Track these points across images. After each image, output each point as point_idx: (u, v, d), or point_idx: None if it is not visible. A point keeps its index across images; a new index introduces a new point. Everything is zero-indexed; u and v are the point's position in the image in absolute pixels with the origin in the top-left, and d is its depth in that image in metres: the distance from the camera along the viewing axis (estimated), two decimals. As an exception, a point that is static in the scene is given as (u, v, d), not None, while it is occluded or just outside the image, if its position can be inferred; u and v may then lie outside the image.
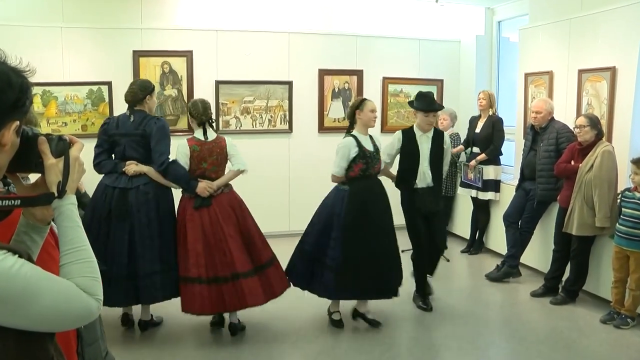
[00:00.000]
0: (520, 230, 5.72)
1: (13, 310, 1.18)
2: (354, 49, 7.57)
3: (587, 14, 5.59)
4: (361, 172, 4.52)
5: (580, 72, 5.62)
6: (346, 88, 7.57)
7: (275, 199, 7.43)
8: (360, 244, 4.40)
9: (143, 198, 4.24)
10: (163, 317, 4.66)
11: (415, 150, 4.87)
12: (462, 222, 7.26)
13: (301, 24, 7.38)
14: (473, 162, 6.50)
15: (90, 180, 4.47)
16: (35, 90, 6.26)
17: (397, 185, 5.03)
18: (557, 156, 5.25)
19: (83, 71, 6.59)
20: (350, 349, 4.30)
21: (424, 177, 4.87)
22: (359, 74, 7.58)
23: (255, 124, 7.28)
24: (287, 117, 7.38)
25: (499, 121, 6.43)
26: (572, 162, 5.05)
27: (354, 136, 4.56)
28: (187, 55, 6.89)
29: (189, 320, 4.54)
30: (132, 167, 4.27)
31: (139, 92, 4.31)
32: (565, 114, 5.67)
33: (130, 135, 4.27)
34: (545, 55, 6.16)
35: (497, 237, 6.39)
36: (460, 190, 6.91)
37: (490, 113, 6.49)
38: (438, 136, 4.99)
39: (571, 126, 5.23)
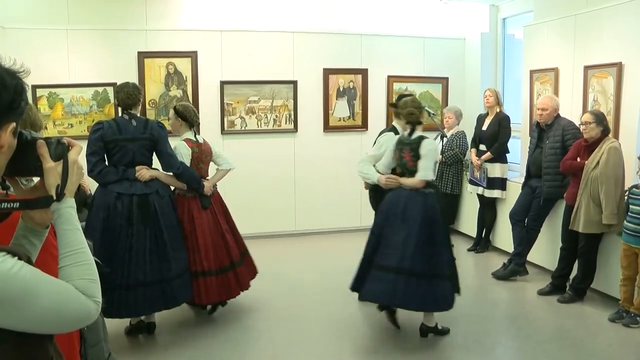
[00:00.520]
0: (526, 228, 5.69)
1: (11, 312, 1.18)
2: (359, 47, 7.55)
3: (593, 9, 5.55)
4: (435, 173, 4.60)
5: (586, 68, 5.58)
6: (351, 87, 7.55)
7: (281, 199, 7.44)
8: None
9: (164, 202, 4.26)
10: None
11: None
12: (468, 220, 7.23)
13: (305, 23, 7.38)
14: (478, 161, 6.46)
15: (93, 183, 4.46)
16: (41, 92, 6.41)
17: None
18: (563, 153, 5.21)
19: (88, 73, 6.62)
20: (355, 348, 4.29)
21: None
22: (363, 72, 7.57)
23: (261, 124, 7.28)
24: (292, 117, 7.38)
25: (505, 119, 6.41)
26: (578, 159, 5.01)
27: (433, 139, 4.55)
28: (192, 55, 6.90)
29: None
30: (146, 172, 4.21)
31: (138, 94, 4.25)
32: (571, 111, 5.63)
33: (139, 140, 4.18)
34: (551, 52, 6.12)
35: (504, 235, 6.36)
36: (468, 188, 6.89)
37: (497, 110, 6.46)
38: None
39: (577, 123, 5.20)
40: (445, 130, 7.05)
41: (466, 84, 7.91)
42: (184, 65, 6.90)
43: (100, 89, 6.64)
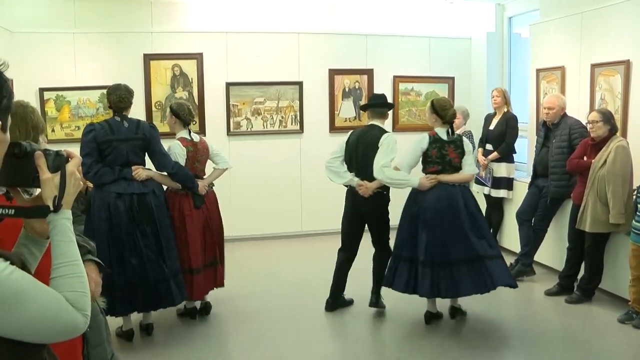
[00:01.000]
0: (533, 228, 5.65)
1: None
2: (364, 48, 7.54)
3: (599, 7, 5.50)
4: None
5: (593, 66, 5.53)
6: (357, 87, 7.54)
7: (287, 200, 7.44)
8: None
9: (159, 201, 4.34)
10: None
11: None
12: (475, 221, 7.18)
13: (310, 24, 7.38)
14: (484, 161, 6.43)
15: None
16: (49, 95, 6.45)
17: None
18: (570, 152, 5.17)
19: (95, 75, 6.65)
20: (360, 349, 4.27)
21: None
22: (369, 73, 7.55)
23: (266, 125, 7.29)
24: (298, 118, 7.38)
25: (513, 118, 6.36)
26: (585, 158, 4.97)
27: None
28: (198, 57, 6.92)
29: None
30: (142, 172, 4.27)
31: (130, 97, 4.30)
32: (578, 110, 5.59)
33: (131, 140, 4.23)
34: (557, 51, 6.08)
35: (511, 235, 6.32)
36: (474, 187, 6.84)
37: (505, 110, 6.42)
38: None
39: (584, 122, 5.16)
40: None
41: (472, 83, 7.87)
42: (189, 67, 6.92)
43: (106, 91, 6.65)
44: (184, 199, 4.55)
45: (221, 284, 4.84)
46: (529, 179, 5.90)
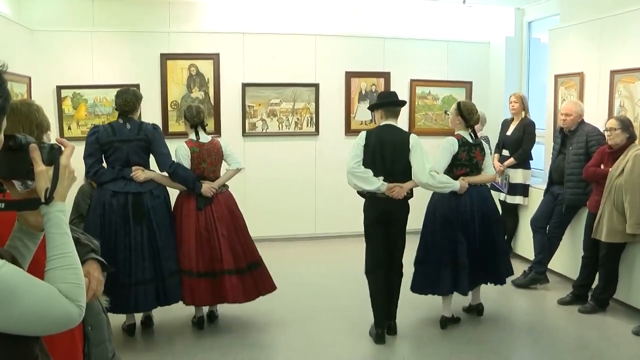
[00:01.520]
0: (548, 235, 5.57)
1: None
2: (381, 51, 7.51)
3: (620, 12, 5.41)
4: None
5: (613, 72, 5.44)
6: (373, 90, 7.51)
7: (302, 202, 7.43)
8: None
9: (157, 202, 4.37)
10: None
11: None
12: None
13: (328, 26, 7.37)
14: (500, 167, 6.36)
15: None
16: (66, 93, 6.52)
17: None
18: (587, 160, 5.09)
19: (112, 74, 6.71)
20: (372, 352, 4.25)
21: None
22: (386, 76, 7.52)
23: (282, 127, 7.29)
24: (314, 120, 7.37)
25: (531, 124, 6.28)
26: (602, 166, 4.89)
27: None
28: (214, 58, 6.95)
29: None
30: (141, 173, 4.34)
31: (136, 101, 4.44)
32: (597, 117, 5.49)
33: (133, 141, 4.32)
34: (576, 56, 5.99)
35: (526, 243, 6.23)
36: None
37: (523, 116, 6.34)
38: None
39: (602, 129, 5.07)
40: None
41: (490, 88, 7.79)
42: (206, 67, 6.95)
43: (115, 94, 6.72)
44: (188, 200, 4.50)
45: (233, 299, 4.45)
46: (545, 186, 5.82)
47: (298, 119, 7.32)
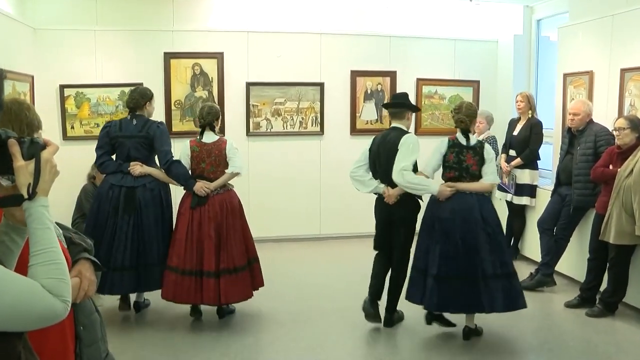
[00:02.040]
0: (555, 237, 5.47)
1: None
2: (387, 49, 7.44)
3: (631, 9, 5.30)
4: None
5: (623, 71, 5.34)
6: (379, 89, 7.44)
7: (306, 202, 7.38)
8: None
9: (149, 195, 4.62)
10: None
11: None
12: (497, 228, 7.01)
13: (333, 24, 7.31)
14: (507, 167, 6.27)
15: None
16: (69, 91, 6.50)
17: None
18: (595, 160, 4.99)
19: (115, 73, 6.69)
20: (374, 354, 4.18)
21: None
22: (392, 75, 7.44)
23: (286, 126, 7.23)
24: (319, 119, 7.30)
25: (538, 124, 6.19)
26: (610, 167, 4.79)
27: None
28: (218, 56, 6.91)
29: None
30: (138, 168, 4.62)
31: (140, 99, 4.72)
32: (606, 116, 5.39)
33: (135, 137, 4.64)
34: (586, 55, 5.89)
35: (533, 244, 6.13)
36: (497, 194, 6.69)
37: (530, 115, 6.25)
38: None
39: (611, 128, 4.97)
40: (475, 135, 6.86)
41: (498, 87, 7.69)
42: (210, 66, 6.91)
43: (126, 89, 6.63)
44: (187, 199, 4.62)
45: (209, 301, 4.50)
46: (552, 187, 5.72)
47: (303, 118, 7.26)
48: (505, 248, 4.44)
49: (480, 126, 6.91)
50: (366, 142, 7.32)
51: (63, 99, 6.51)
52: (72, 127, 6.58)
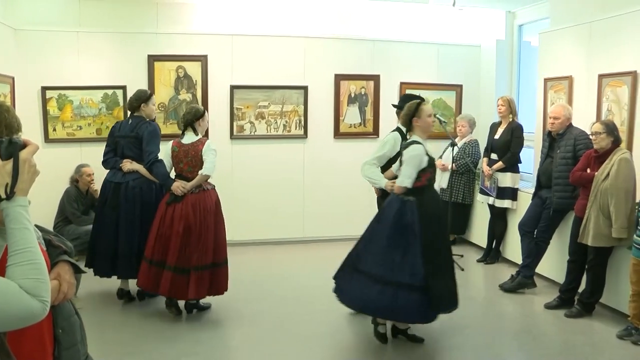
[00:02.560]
0: (535, 239, 5.54)
1: None
2: (371, 53, 7.48)
3: (609, 16, 5.39)
4: (428, 181, 4.21)
5: (601, 76, 5.42)
6: (362, 93, 7.48)
7: (290, 205, 7.39)
8: (440, 258, 4.13)
9: (131, 192, 4.99)
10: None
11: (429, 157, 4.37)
12: (479, 231, 7.09)
13: (317, 28, 7.33)
14: (489, 170, 6.34)
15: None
16: (51, 93, 6.45)
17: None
18: (574, 163, 5.07)
19: (98, 75, 6.66)
20: (357, 355, 4.20)
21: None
22: (375, 79, 7.49)
23: (270, 129, 7.24)
24: (302, 123, 7.32)
25: (518, 128, 6.27)
26: (588, 170, 4.87)
27: (419, 142, 4.20)
28: (202, 59, 6.90)
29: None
30: (127, 165, 5.05)
31: (134, 101, 5.12)
32: (585, 120, 5.45)
33: (127, 137, 5.06)
34: (565, 60, 5.98)
35: (514, 247, 6.20)
36: (479, 197, 6.76)
37: (511, 119, 6.32)
38: None
39: (589, 132, 5.05)
40: (458, 138, 6.94)
41: (481, 91, 7.78)
42: (194, 69, 6.90)
43: (109, 92, 6.66)
44: (166, 195, 4.82)
45: (185, 297, 4.69)
46: (533, 190, 5.79)
47: (286, 121, 7.27)
48: (415, 258, 4.04)
49: (462, 130, 7.00)
50: (350, 145, 7.49)
51: (45, 101, 6.46)
52: (54, 130, 6.53)
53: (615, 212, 4.53)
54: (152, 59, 6.75)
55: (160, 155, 4.89)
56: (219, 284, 4.78)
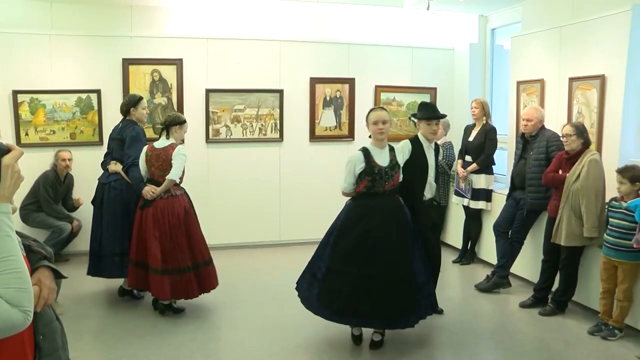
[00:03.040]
0: (510, 240, 5.64)
1: None
2: (346, 57, 7.53)
3: (578, 21, 5.53)
4: (365, 189, 4.19)
5: (571, 80, 5.55)
6: (338, 96, 7.52)
7: (266, 209, 7.38)
8: (352, 261, 4.12)
9: (112, 193, 5.16)
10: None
11: (425, 161, 4.56)
12: (454, 232, 7.18)
13: (292, 31, 7.35)
14: (463, 172, 6.43)
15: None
16: (23, 97, 6.35)
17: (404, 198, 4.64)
18: (547, 165, 5.17)
19: (72, 79, 6.57)
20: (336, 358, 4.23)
21: (429, 188, 4.65)
22: (350, 82, 7.53)
23: (246, 133, 7.23)
24: (278, 126, 7.33)
25: (492, 130, 6.36)
26: (560, 172, 4.97)
27: (365, 149, 4.23)
28: (177, 63, 6.87)
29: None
30: (112, 166, 5.23)
31: (124, 105, 5.32)
32: (557, 122, 5.59)
33: (115, 140, 5.28)
34: (537, 63, 6.10)
35: (489, 247, 6.30)
36: (454, 199, 6.84)
37: (484, 122, 6.42)
38: (436, 148, 4.88)
39: (560, 135, 5.16)
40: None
41: (455, 94, 7.88)
42: (169, 73, 6.86)
43: (83, 96, 6.58)
44: (141, 199, 4.92)
45: (156, 294, 4.82)
46: (507, 191, 5.89)
47: (262, 125, 7.27)
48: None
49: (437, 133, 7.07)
50: (326, 148, 7.52)
51: (17, 105, 6.35)
52: (27, 134, 6.42)
53: (586, 212, 4.64)
54: (127, 63, 6.69)
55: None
56: (205, 283, 4.91)
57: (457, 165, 6.63)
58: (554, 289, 5.16)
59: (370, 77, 7.61)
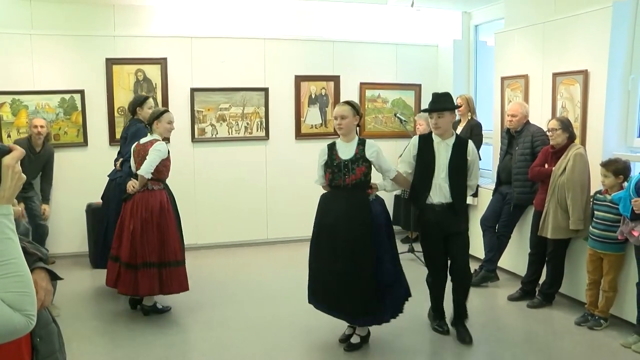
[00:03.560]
0: (497, 234, 5.69)
1: None
2: (331, 54, 7.54)
3: (560, 17, 5.59)
4: (328, 181, 4.21)
5: (555, 75, 5.61)
6: (323, 94, 7.53)
7: (253, 207, 7.37)
8: (321, 255, 4.19)
9: (117, 189, 5.34)
10: None
11: (431, 159, 4.30)
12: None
13: (277, 30, 7.34)
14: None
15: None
16: (4, 98, 6.26)
17: (409, 199, 4.69)
18: (533, 159, 5.24)
19: (54, 79, 6.49)
20: (325, 358, 4.23)
21: (439, 191, 4.31)
22: (335, 79, 7.55)
23: (232, 131, 7.21)
24: (264, 124, 7.32)
25: (477, 126, 6.41)
26: (546, 166, 5.04)
27: (332, 143, 4.24)
28: (162, 62, 6.82)
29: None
30: (118, 163, 5.54)
31: (130, 106, 5.64)
32: (541, 117, 5.66)
33: (123, 137, 5.62)
34: (521, 59, 6.16)
35: (477, 242, 6.30)
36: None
37: (470, 117, 6.46)
38: (461, 145, 4.34)
39: (545, 129, 5.23)
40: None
41: (439, 90, 7.75)
42: (153, 72, 6.81)
43: (67, 96, 6.51)
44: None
45: (122, 290, 4.79)
46: (493, 186, 5.95)
47: (248, 123, 7.26)
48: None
49: (420, 128, 7.10)
50: (311, 146, 7.50)
51: (-3, 106, 6.27)
52: (9, 136, 6.33)
53: (572, 205, 4.71)
54: (110, 62, 6.63)
55: None
56: (170, 284, 4.76)
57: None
58: (541, 281, 5.23)
59: (355, 75, 7.63)
